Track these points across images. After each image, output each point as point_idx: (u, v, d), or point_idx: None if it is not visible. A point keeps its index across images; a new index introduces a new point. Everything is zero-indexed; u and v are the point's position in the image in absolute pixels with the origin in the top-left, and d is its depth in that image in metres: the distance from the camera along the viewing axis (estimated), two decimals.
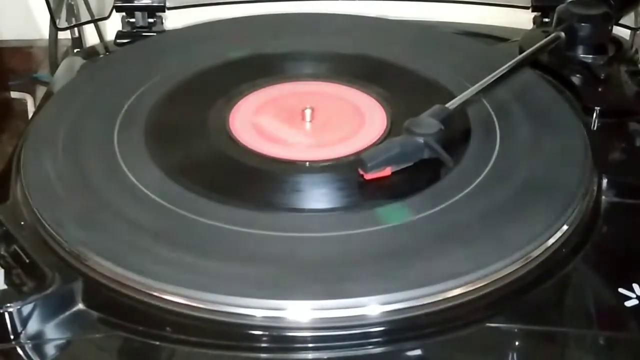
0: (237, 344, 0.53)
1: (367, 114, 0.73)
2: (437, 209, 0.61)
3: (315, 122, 0.72)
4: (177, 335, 0.53)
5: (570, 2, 0.82)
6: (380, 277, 0.55)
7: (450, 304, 0.55)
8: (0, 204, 0.63)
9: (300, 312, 0.53)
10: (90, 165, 0.66)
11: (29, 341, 0.53)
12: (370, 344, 0.53)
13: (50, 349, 0.53)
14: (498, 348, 0.54)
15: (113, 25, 0.94)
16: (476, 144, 0.68)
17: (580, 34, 0.80)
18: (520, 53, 0.79)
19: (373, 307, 0.54)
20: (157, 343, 0.53)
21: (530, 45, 0.79)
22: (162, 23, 0.92)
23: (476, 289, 0.55)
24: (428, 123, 0.66)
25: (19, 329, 0.53)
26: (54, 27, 0.93)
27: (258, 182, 0.65)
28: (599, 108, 0.73)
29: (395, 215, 0.60)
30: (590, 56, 0.80)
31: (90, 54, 0.93)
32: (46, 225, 0.59)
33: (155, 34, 0.91)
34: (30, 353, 0.53)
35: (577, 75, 0.78)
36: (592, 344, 0.55)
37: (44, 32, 0.99)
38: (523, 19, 0.94)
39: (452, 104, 0.69)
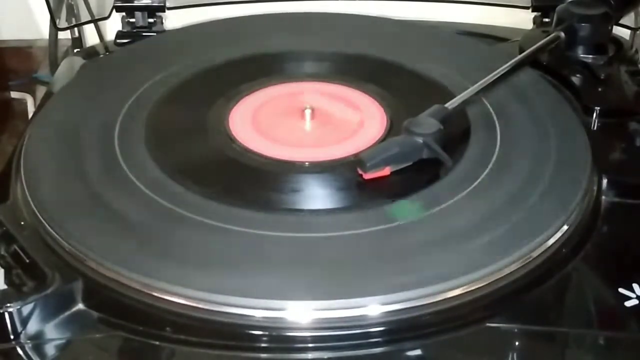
0: (237, 344, 0.53)
1: (367, 114, 0.73)
2: (437, 209, 0.61)
3: (315, 122, 0.72)
4: (177, 335, 0.53)
5: (570, 2, 0.82)
6: (380, 277, 0.55)
7: (450, 304, 0.55)
8: (0, 204, 0.64)
9: (300, 312, 0.53)
10: (91, 165, 0.66)
11: (29, 341, 0.53)
12: (370, 344, 0.53)
13: (50, 349, 0.53)
14: (498, 348, 0.54)
15: (113, 25, 0.93)
16: (476, 143, 0.68)
17: (580, 34, 0.80)
18: (520, 53, 0.79)
19: (373, 308, 0.54)
20: (157, 343, 0.53)
21: (530, 45, 0.79)
22: (162, 23, 0.92)
23: (476, 289, 0.55)
24: (427, 123, 0.66)
25: (19, 329, 0.53)
26: (54, 27, 0.93)
27: (258, 182, 0.65)
28: (599, 108, 0.73)
29: (407, 212, 0.60)
30: (590, 56, 0.80)
31: (90, 54, 0.93)
32: (46, 225, 0.60)
33: (155, 34, 0.91)
34: (30, 353, 0.53)
35: (577, 75, 0.78)
36: (592, 344, 0.55)
37: (44, 32, 0.99)
38: (523, 19, 0.94)
39: (451, 104, 0.69)
